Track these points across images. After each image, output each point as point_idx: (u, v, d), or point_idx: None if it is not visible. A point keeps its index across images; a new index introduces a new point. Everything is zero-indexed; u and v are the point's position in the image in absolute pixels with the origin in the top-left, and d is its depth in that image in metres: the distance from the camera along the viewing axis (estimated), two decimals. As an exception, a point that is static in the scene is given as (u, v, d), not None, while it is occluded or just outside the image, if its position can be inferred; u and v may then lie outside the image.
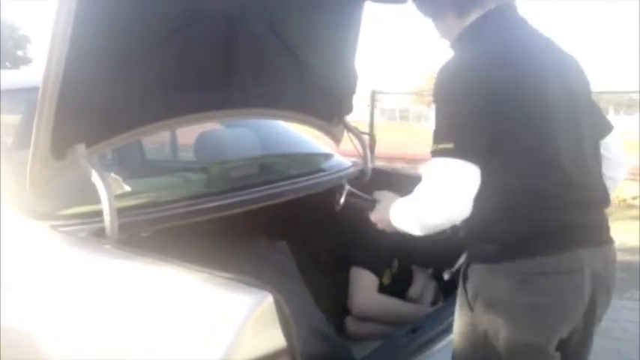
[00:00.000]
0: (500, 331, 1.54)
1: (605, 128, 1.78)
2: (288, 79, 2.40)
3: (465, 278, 1.63)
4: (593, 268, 1.57)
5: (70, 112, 1.64)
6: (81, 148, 1.74)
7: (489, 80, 1.50)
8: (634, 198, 8.50)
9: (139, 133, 2.01)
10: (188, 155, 3.75)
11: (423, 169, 1.56)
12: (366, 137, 2.79)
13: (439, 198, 1.50)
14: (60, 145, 1.70)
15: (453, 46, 1.70)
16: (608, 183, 1.72)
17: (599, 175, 1.70)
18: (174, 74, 1.99)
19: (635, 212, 7.97)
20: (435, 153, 1.51)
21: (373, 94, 9.88)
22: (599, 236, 1.64)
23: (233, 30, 2.09)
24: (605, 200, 1.69)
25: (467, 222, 1.55)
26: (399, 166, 8.26)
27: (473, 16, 1.65)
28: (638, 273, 5.18)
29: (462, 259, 2.60)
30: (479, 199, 1.50)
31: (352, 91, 2.68)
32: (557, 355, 1.60)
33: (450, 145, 1.47)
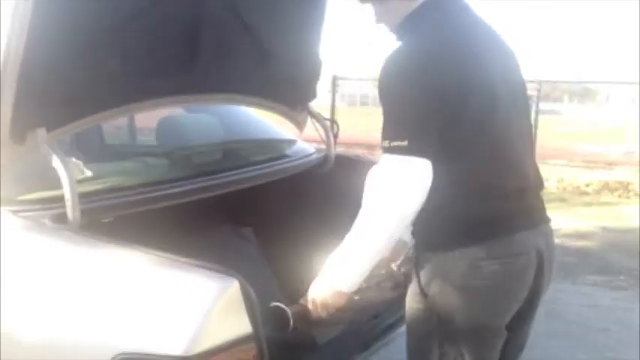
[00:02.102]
0: (456, 314, 1.58)
1: (527, 120, 1.83)
2: (251, 65, 2.38)
3: (417, 266, 1.66)
4: (537, 247, 1.63)
5: (30, 95, 1.61)
6: (41, 132, 1.70)
7: (436, 72, 1.49)
8: (587, 185, 8.72)
9: (101, 118, 1.97)
10: (147, 139, 3.70)
11: (375, 169, 1.53)
12: (330, 124, 2.79)
13: (401, 198, 1.48)
14: (20, 130, 1.66)
15: (395, 32, 1.65)
16: None
17: (534, 160, 1.75)
18: (138, 58, 1.96)
19: (588, 199, 8.19)
20: (388, 150, 1.48)
21: (334, 79, 9.88)
22: (539, 217, 1.70)
23: (195, 14, 2.06)
24: (541, 184, 1.75)
25: (426, 210, 1.55)
26: (359, 152, 8.30)
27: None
28: (591, 258, 5.34)
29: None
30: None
31: (316, 77, 2.68)
32: (504, 332, 1.67)
33: (404, 143, 1.46)
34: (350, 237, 1.58)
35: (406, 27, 1.61)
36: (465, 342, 1.61)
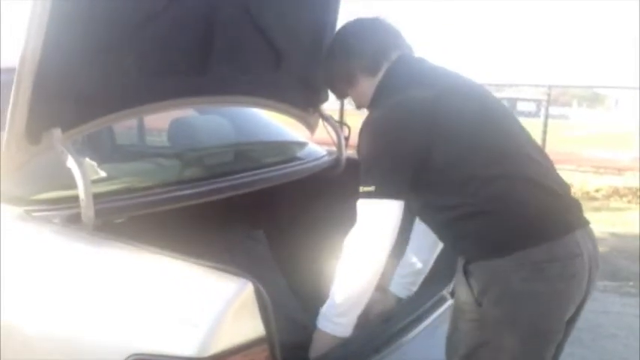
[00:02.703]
0: (518, 321, 1.58)
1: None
2: (264, 67, 2.39)
3: (469, 275, 1.65)
4: (588, 248, 1.65)
5: (46, 95, 1.61)
6: (57, 132, 1.71)
7: (402, 129, 1.68)
8: (596, 190, 8.69)
9: (115, 119, 1.98)
10: (157, 140, 3.71)
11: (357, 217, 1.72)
12: (342, 127, 2.79)
13: (372, 243, 1.69)
14: (35, 129, 1.67)
15: (371, 106, 1.87)
16: None
17: (553, 165, 1.80)
18: (151, 60, 1.96)
19: (597, 204, 8.16)
20: (361, 194, 1.70)
21: (343, 82, 9.83)
22: (582, 217, 1.73)
23: (210, 16, 2.07)
24: (568, 185, 1.79)
25: (460, 225, 1.67)
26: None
27: (382, 71, 1.84)
28: (600, 264, 5.31)
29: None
30: (467, 199, 1.62)
31: None
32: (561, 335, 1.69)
33: (371, 188, 1.67)
34: (335, 290, 1.75)
35: (374, 100, 1.85)
36: (524, 349, 1.60)
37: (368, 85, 1.87)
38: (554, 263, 1.57)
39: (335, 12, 2.51)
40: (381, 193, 1.67)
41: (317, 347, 1.80)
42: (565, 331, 1.72)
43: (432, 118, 1.67)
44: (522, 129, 1.82)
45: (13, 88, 1.56)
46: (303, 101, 2.64)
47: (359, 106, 1.96)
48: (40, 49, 1.53)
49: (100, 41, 1.75)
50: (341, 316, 1.76)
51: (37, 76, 1.56)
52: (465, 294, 1.67)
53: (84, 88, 1.76)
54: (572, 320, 1.72)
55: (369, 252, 1.70)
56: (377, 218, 1.69)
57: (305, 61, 2.47)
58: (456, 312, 1.72)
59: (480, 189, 1.62)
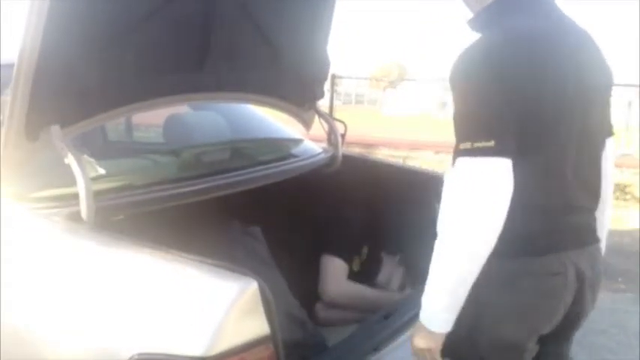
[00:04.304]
0: (484, 328, 1.52)
1: (606, 132, 1.68)
2: (261, 64, 2.39)
3: None
4: (578, 267, 1.53)
5: (46, 92, 1.60)
6: (56, 129, 1.70)
7: (514, 73, 1.37)
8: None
9: (113, 115, 1.97)
10: (150, 137, 3.69)
11: (452, 174, 1.39)
12: (338, 123, 2.79)
13: (492, 206, 1.36)
14: (34, 126, 1.66)
15: (473, 21, 1.55)
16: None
17: (599, 178, 1.63)
18: (150, 57, 1.96)
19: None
20: (471, 152, 1.35)
21: (333, 78, 9.88)
22: (587, 237, 1.60)
23: (207, 13, 2.06)
24: (597, 203, 1.63)
25: None
26: (356, 150, 8.30)
27: None
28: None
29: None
30: None
31: (324, 76, 2.69)
32: (536, 348, 1.60)
33: (489, 143, 1.33)
34: (436, 268, 1.44)
35: (485, 18, 1.50)
36: (486, 355, 1.54)
37: None
38: (527, 277, 1.48)
39: (331, 9, 2.51)
40: (501, 150, 1.34)
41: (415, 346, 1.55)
42: (553, 350, 1.67)
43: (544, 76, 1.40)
44: (599, 134, 1.60)
45: (12, 84, 1.55)
46: (299, 98, 2.65)
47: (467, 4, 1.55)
48: (38, 46, 1.53)
49: (99, 38, 1.74)
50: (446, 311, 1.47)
51: (36, 73, 1.55)
52: None
53: (83, 84, 1.75)
54: (558, 340, 1.66)
55: (489, 229, 1.38)
56: (501, 184, 1.36)
57: (301, 58, 2.47)
58: None
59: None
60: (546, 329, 1.57)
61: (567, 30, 1.53)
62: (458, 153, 1.37)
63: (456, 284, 1.43)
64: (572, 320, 1.62)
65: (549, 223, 1.50)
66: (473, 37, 1.48)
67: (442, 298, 1.45)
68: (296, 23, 2.39)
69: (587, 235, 1.60)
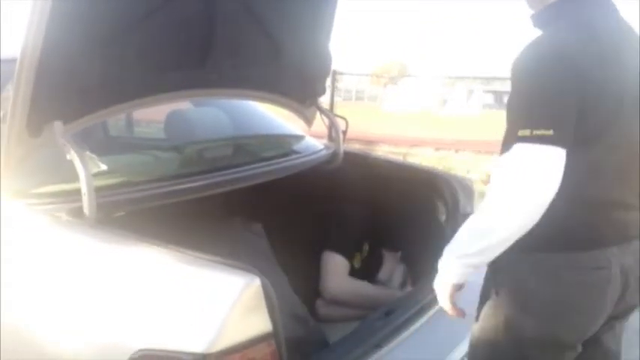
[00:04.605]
0: (523, 320, 1.54)
1: None
2: (263, 60, 2.38)
3: (492, 264, 1.60)
4: (622, 263, 1.55)
5: (48, 88, 1.60)
6: (58, 125, 1.69)
7: (576, 68, 1.43)
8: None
9: (115, 111, 1.96)
10: (148, 131, 3.68)
11: (512, 159, 1.44)
12: (339, 120, 2.79)
13: (543, 188, 1.41)
14: (36, 122, 1.65)
15: (537, 17, 1.59)
16: None
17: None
18: (152, 53, 1.95)
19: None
20: (529, 139, 1.41)
21: (334, 74, 9.86)
22: (632, 233, 1.61)
23: (210, 9, 2.06)
24: None
25: None
26: (356, 146, 8.29)
27: None
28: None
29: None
30: None
31: (326, 73, 2.68)
32: (579, 348, 1.60)
33: (548, 132, 1.39)
34: (464, 231, 1.52)
35: (550, 15, 1.56)
36: (527, 350, 1.56)
37: None
38: (570, 271, 1.52)
39: (333, 6, 2.51)
40: (558, 139, 1.40)
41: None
42: (596, 348, 1.67)
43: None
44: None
45: (14, 80, 1.54)
46: (301, 94, 2.64)
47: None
48: (41, 42, 1.52)
49: (101, 35, 1.74)
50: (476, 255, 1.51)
51: (39, 69, 1.55)
52: (486, 281, 1.64)
53: (85, 81, 1.75)
54: (608, 336, 1.67)
55: (535, 205, 1.43)
56: (553, 171, 1.41)
57: (303, 54, 2.47)
58: (480, 295, 1.68)
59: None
60: (591, 327, 1.58)
61: (627, 30, 1.59)
62: (516, 139, 1.43)
63: (473, 250, 1.50)
64: (617, 317, 1.64)
65: (594, 218, 1.54)
66: (531, 33, 1.55)
67: (453, 254, 1.54)
68: (298, 20, 2.38)
69: (632, 230, 1.61)
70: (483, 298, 1.66)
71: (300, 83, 2.58)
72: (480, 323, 1.65)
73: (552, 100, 1.43)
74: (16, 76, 1.54)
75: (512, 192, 1.43)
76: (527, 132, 1.41)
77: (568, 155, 1.43)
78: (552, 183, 1.42)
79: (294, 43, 2.41)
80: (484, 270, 1.65)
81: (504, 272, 1.58)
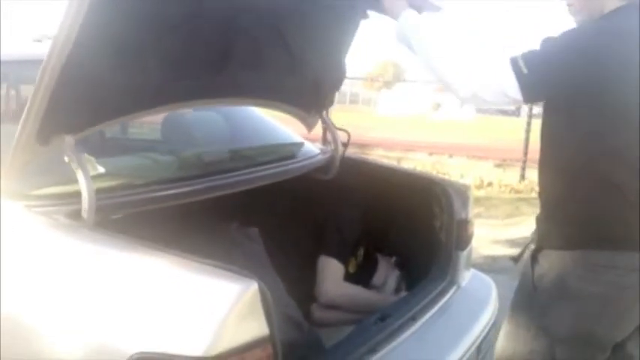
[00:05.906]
0: (560, 316, 1.57)
1: None
2: (280, 73, 2.37)
3: (534, 261, 1.64)
4: None
5: (64, 101, 1.58)
6: (68, 138, 1.69)
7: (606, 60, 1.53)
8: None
9: (126, 119, 1.97)
10: (142, 132, 3.67)
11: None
12: (342, 133, 2.77)
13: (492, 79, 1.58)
14: (47, 133, 1.65)
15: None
16: None
17: None
18: (172, 64, 1.93)
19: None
20: (512, 61, 1.56)
21: (329, 78, 9.84)
22: None
23: (232, 24, 2.02)
24: None
25: (549, 206, 1.59)
26: (349, 150, 8.27)
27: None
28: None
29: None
30: (570, 182, 1.54)
31: (338, 86, 2.68)
32: (609, 351, 1.62)
33: (524, 70, 1.53)
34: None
35: (606, 18, 1.64)
36: (561, 347, 1.58)
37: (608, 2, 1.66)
38: (611, 270, 1.54)
39: (357, 22, 2.44)
40: (526, 84, 1.55)
41: None
42: (628, 350, 1.68)
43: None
44: None
45: (34, 89, 1.54)
46: (310, 104, 2.63)
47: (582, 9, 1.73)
48: (66, 55, 1.50)
49: (129, 45, 1.72)
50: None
51: (59, 79, 1.52)
52: (525, 277, 1.66)
53: (104, 91, 1.73)
54: (633, 340, 1.68)
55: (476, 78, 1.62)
56: (506, 79, 1.56)
57: (321, 67, 2.46)
58: (516, 290, 1.71)
59: (587, 173, 1.54)
60: (624, 330, 1.61)
61: None
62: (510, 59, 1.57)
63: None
64: None
65: (632, 217, 1.56)
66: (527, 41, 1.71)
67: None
68: (321, 35, 2.34)
69: None
70: (520, 290, 1.67)
71: (313, 94, 2.58)
72: (514, 315, 1.67)
73: (553, 54, 1.55)
74: (36, 84, 1.53)
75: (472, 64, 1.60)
76: (516, 59, 1.56)
77: (612, 156, 1.51)
78: (500, 84, 1.57)
79: (314, 56, 2.40)
80: (512, 275, 1.66)
81: (544, 269, 1.60)
